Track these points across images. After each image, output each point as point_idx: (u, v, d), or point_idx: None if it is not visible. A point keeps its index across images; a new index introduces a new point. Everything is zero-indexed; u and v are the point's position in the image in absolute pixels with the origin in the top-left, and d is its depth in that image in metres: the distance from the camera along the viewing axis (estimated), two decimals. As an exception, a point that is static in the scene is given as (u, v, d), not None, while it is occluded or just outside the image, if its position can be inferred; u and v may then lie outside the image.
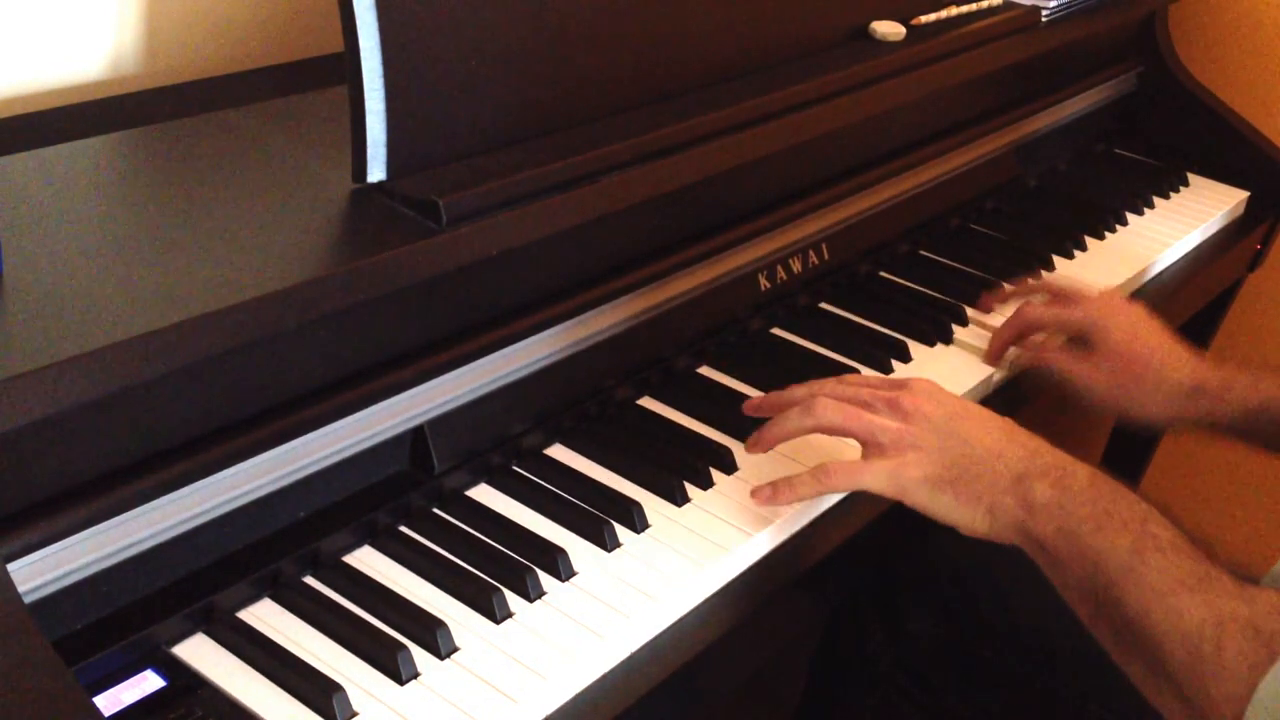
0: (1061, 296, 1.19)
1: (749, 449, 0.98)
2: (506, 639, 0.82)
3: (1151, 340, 1.12)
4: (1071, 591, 0.85)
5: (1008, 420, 0.94)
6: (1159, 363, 1.10)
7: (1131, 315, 1.15)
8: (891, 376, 1.06)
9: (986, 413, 0.95)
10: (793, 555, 0.95)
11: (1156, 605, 0.78)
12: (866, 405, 0.93)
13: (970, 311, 1.26)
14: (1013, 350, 1.19)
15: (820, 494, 0.93)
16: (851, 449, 0.95)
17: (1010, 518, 0.87)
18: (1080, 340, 1.15)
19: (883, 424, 0.92)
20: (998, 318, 1.24)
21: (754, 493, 0.94)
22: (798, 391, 0.98)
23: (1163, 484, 1.99)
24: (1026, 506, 0.86)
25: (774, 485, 0.93)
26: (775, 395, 1.00)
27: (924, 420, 0.92)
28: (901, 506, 0.99)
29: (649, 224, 1.07)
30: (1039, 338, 1.19)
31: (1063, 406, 1.16)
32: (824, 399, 0.94)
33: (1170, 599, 0.78)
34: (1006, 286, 1.28)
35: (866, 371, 1.14)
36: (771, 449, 0.98)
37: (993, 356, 1.19)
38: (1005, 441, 0.90)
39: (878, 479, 0.91)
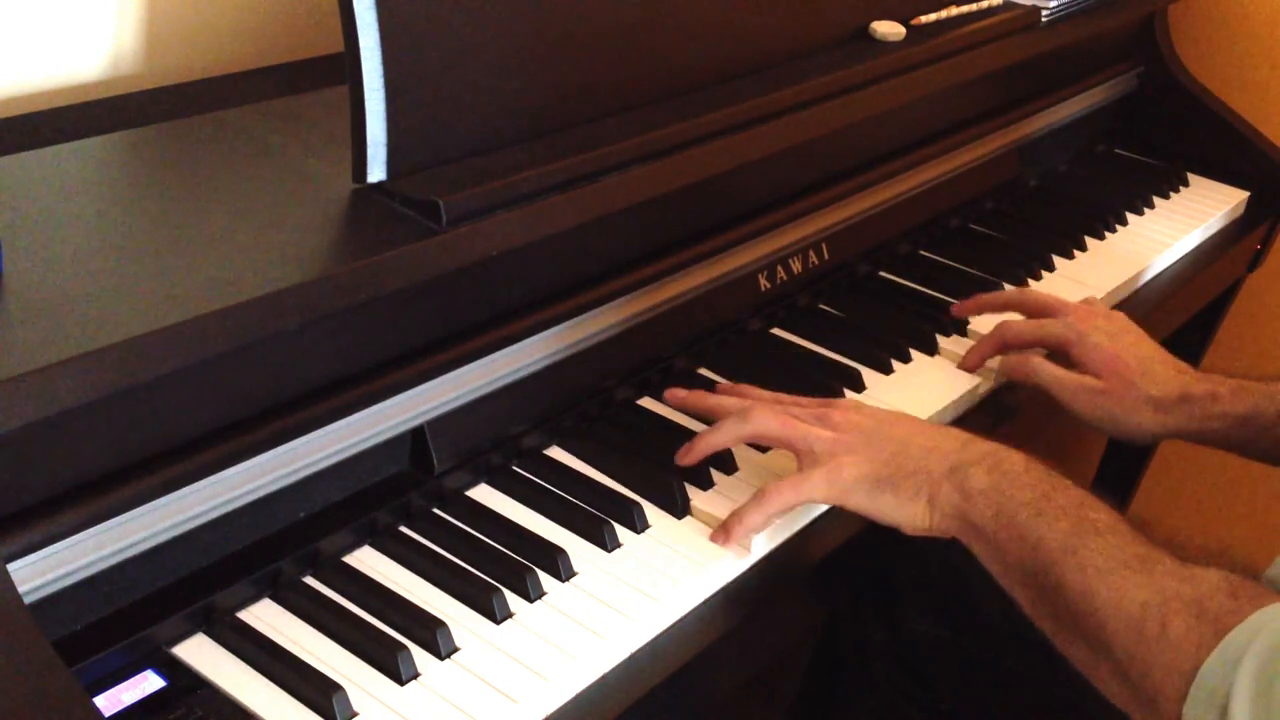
0: (1040, 310, 1.17)
1: (680, 460, 0.96)
2: (506, 639, 0.82)
3: (1134, 351, 1.10)
4: (1012, 576, 0.85)
5: (936, 423, 0.95)
6: (1142, 374, 1.08)
7: (1113, 326, 1.13)
8: (821, 399, 1.02)
9: (915, 417, 0.96)
10: (793, 555, 0.95)
11: (1099, 586, 0.78)
12: (795, 419, 0.94)
13: (1009, 292, 1.25)
14: (995, 359, 1.17)
15: (769, 518, 0.92)
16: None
17: (950, 507, 0.88)
18: (1060, 353, 1.13)
19: (818, 434, 0.92)
20: (990, 321, 1.23)
21: (712, 537, 0.92)
22: (728, 401, 0.98)
23: (1160, 490, 1.99)
24: (964, 494, 0.87)
25: (724, 527, 0.92)
26: (700, 396, 1.00)
27: (854, 428, 0.93)
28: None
29: (649, 224, 1.07)
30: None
31: (1054, 418, 1.15)
32: (760, 407, 0.94)
33: (1112, 579, 0.78)
34: (983, 296, 1.25)
35: (867, 373, 1.14)
36: (703, 459, 0.96)
37: (970, 367, 1.17)
38: (938, 436, 0.92)
39: (817, 487, 0.91)
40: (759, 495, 0.91)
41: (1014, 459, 0.88)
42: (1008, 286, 1.33)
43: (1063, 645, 0.82)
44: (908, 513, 0.90)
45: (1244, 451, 1.08)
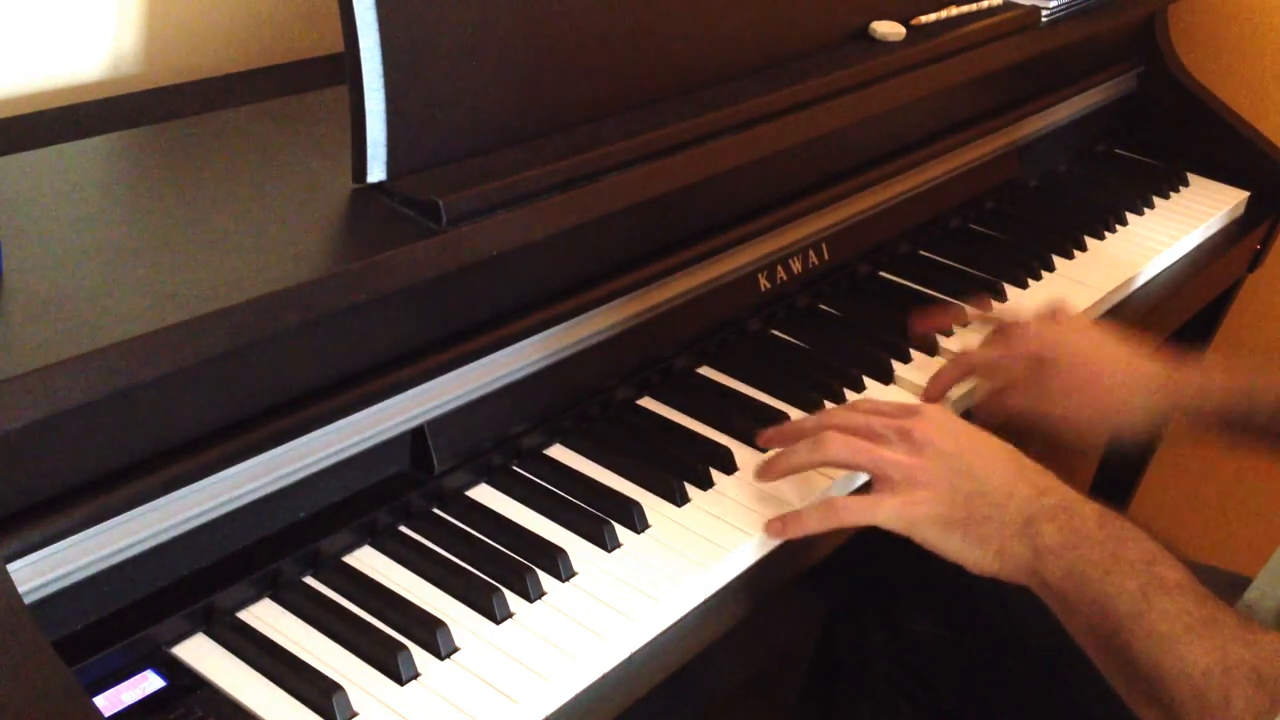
0: (1000, 332, 1.15)
1: (758, 477, 0.97)
2: (506, 639, 0.82)
3: (1104, 352, 1.09)
4: (1083, 636, 0.85)
5: (1015, 451, 0.93)
6: (1121, 370, 1.08)
7: (1075, 333, 1.11)
8: (902, 403, 1.01)
9: (995, 443, 0.93)
10: (793, 555, 0.95)
11: (1164, 652, 0.78)
12: (876, 436, 0.93)
13: (970, 311, 1.26)
14: (955, 389, 1.13)
15: (830, 529, 0.92)
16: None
17: (1019, 561, 0.87)
18: (1033, 374, 1.10)
19: (894, 459, 0.91)
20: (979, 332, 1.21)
21: (767, 526, 0.93)
22: (807, 423, 0.98)
23: (1160, 490, 1.99)
24: (1035, 550, 0.86)
25: (784, 519, 0.93)
26: (788, 426, 1.01)
27: (935, 454, 0.91)
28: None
29: (649, 224, 1.07)
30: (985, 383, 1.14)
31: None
32: (832, 433, 0.93)
33: (1177, 646, 0.78)
34: (939, 313, 1.22)
35: (866, 377, 1.14)
36: (779, 479, 0.97)
37: (932, 398, 1.13)
38: (1015, 479, 0.90)
39: (888, 516, 0.90)
40: (828, 505, 0.92)
41: (1088, 514, 0.87)
42: (1008, 286, 1.33)
43: (1134, 705, 0.82)
44: (975, 556, 0.89)
45: (1245, 428, 1.06)
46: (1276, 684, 0.74)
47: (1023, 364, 1.10)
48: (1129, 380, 1.08)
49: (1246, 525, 1.96)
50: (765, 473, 0.97)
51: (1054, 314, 1.14)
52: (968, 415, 1.13)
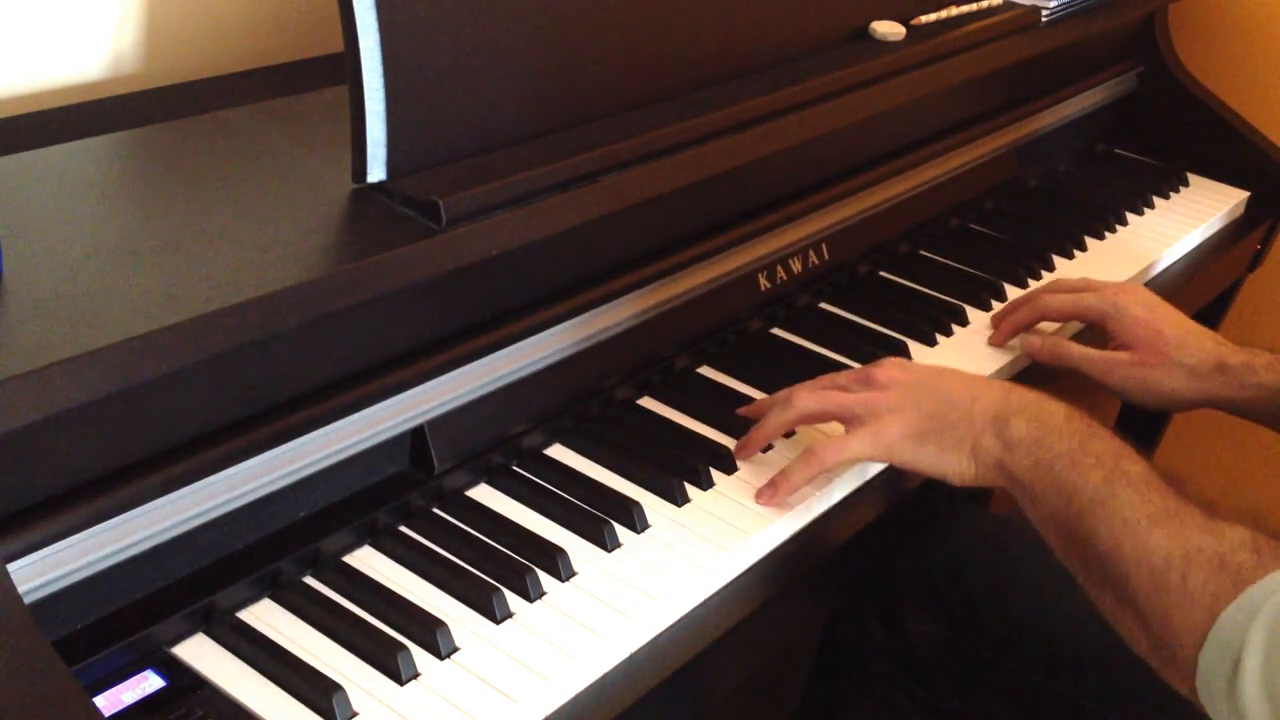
0: (1074, 287, 1.20)
1: (738, 454, 0.99)
2: (506, 639, 0.82)
3: (1170, 320, 1.13)
4: (1046, 524, 0.87)
5: (979, 375, 0.98)
6: (1179, 341, 1.11)
7: (1148, 296, 1.17)
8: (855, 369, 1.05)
9: (958, 370, 0.98)
10: (793, 555, 0.95)
11: (1126, 537, 0.80)
12: (841, 388, 0.97)
13: (970, 311, 1.26)
14: (1020, 336, 1.20)
15: (815, 475, 0.95)
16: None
17: (991, 456, 0.90)
18: (1096, 325, 1.17)
19: (859, 398, 0.95)
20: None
21: (758, 496, 0.95)
22: (777, 395, 1.01)
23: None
24: (1005, 443, 0.89)
25: (772, 483, 0.95)
26: (754, 407, 1.03)
27: (897, 385, 0.95)
28: (902, 507, 1.00)
29: (649, 224, 1.07)
30: (1050, 328, 1.21)
31: (1072, 387, 1.17)
32: (800, 391, 0.98)
33: (1139, 531, 0.79)
34: (1018, 314, 1.24)
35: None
36: (758, 450, 1.00)
37: (1000, 339, 1.20)
38: (980, 386, 0.94)
39: (863, 445, 0.94)
40: (805, 454, 0.94)
41: (1055, 409, 0.89)
42: (1008, 286, 1.33)
43: (1091, 592, 0.84)
44: (952, 463, 0.92)
45: (1274, 423, 1.10)
46: (1239, 570, 0.74)
47: (1093, 312, 1.16)
48: (1186, 348, 1.11)
49: (1262, 498, 1.96)
50: (743, 447, 0.99)
51: (1122, 282, 1.21)
52: (1028, 371, 1.19)
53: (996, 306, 1.28)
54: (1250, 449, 1.96)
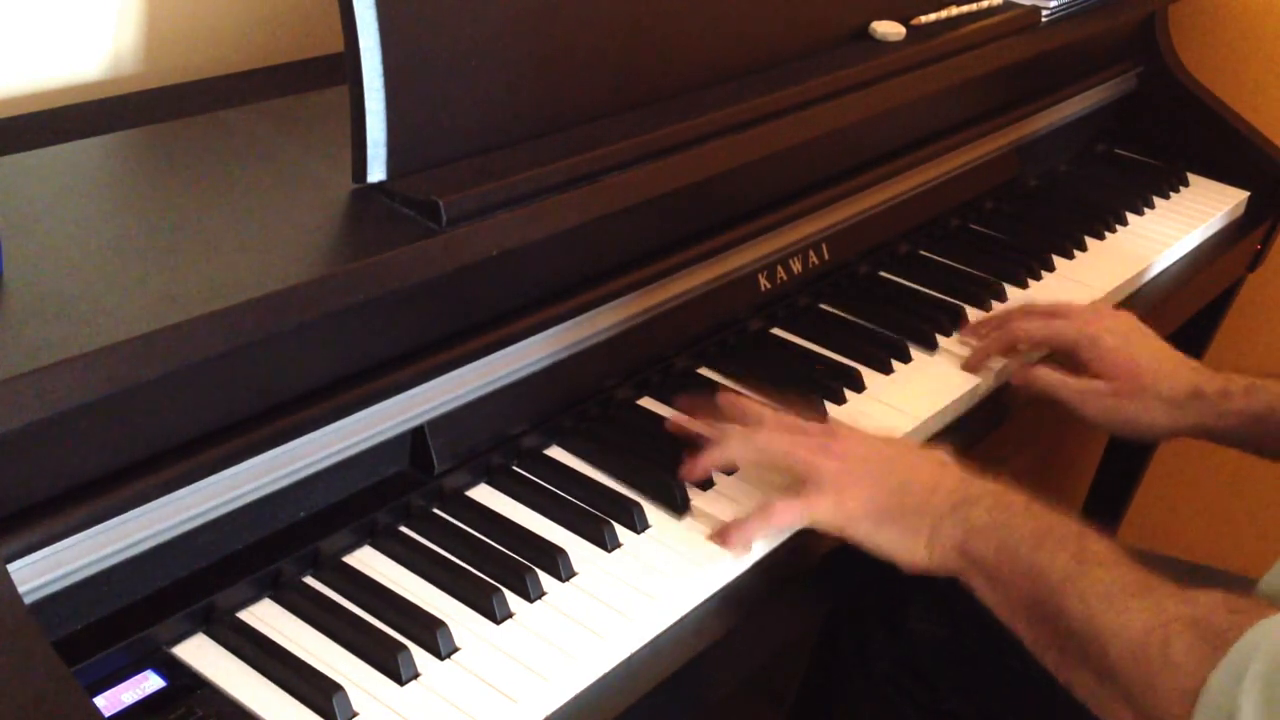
0: (1048, 313, 1.18)
1: (684, 476, 0.96)
2: (506, 639, 0.82)
3: (1145, 349, 1.12)
4: (1014, 609, 0.86)
5: (937, 452, 0.95)
6: (1154, 371, 1.09)
7: (1122, 326, 1.14)
8: (816, 423, 1.01)
9: (917, 447, 0.97)
10: (793, 555, 0.95)
11: (1101, 612, 0.79)
12: (804, 437, 0.94)
13: (970, 311, 1.26)
14: (997, 360, 1.17)
15: (769, 533, 0.92)
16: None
17: (951, 543, 0.88)
18: (1069, 356, 1.14)
19: (822, 461, 0.92)
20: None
21: (710, 536, 0.92)
22: (731, 422, 0.98)
23: (1160, 490, 1.99)
24: (966, 530, 0.88)
25: (724, 529, 0.92)
26: (699, 421, 1.00)
27: (859, 459, 0.93)
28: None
29: (649, 224, 1.07)
30: (1021, 355, 1.18)
31: (1053, 417, 1.16)
32: (766, 429, 0.95)
33: (1114, 605, 0.79)
34: (987, 319, 1.23)
35: (867, 372, 1.14)
36: (707, 475, 0.97)
37: (973, 367, 1.17)
38: (940, 473, 0.92)
39: (824, 514, 0.91)
40: (764, 509, 0.91)
41: (1014, 497, 0.88)
42: (1008, 286, 1.33)
43: (1067, 677, 0.83)
44: (907, 548, 0.90)
45: (1255, 449, 1.09)
46: (1217, 633, 0.73)
47: (1066, 341, 1.14)
48: (1161, 378, 1.09)
49: (1246, 525, 1.96)
50: (691, 470, 0.96)
51: (1096, 305, 1.19)
52: (1002, 389, 1.17)
53: (996, 307, 1.28)
54: (1229, 485, 1.96)
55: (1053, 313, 1.17)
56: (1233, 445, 1.09)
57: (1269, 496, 1.93)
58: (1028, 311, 1.20)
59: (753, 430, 0.95)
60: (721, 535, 0.92)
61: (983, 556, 0.86)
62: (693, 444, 0.98)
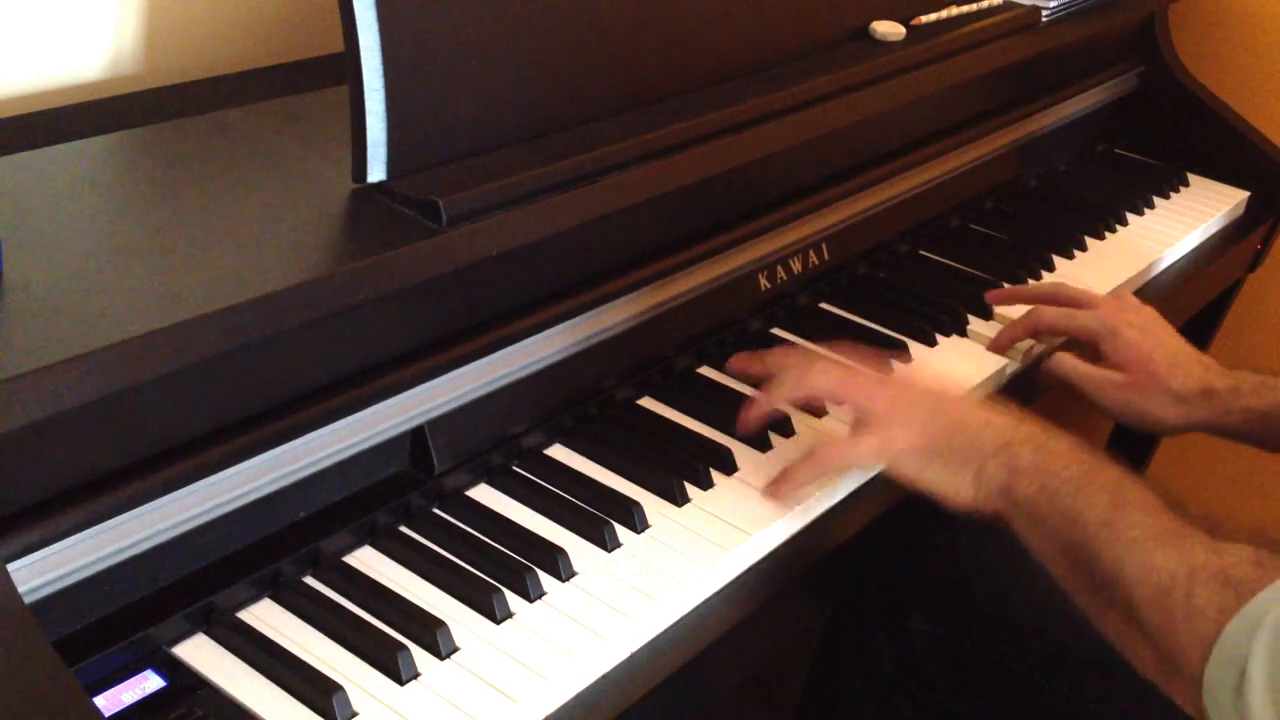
0: (1072, 302, 1.20)
1: (741, 426, 0.99)
2: (506, 639, 0.82)
3: (1161, 345, 1.14)
4: (1050, 549, 0.87)
5: (986, 401, 0.98)
6: (1168, 367, 1.11)
7: (1142, 319, 1.16)
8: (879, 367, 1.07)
9: (964, 395, 0.99)
10: (794, 555, 0.95)
11: (1130, 557, 0.80)
12: (855, 376, 0.97)
13: (970, 311, 1.26)
14: (1025, 342, 1.20)
15: (819, 476, 0.95)
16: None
17: (995, 482, 0.90)
18: (1089, 345, 1.17)
19: (874, 401, 0.95)
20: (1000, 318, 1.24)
21: (763, 491, 0.96)
22: (787, 359, 1.01)
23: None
24: (1011, 470, 0.89)
25: (777, 481, 0.95)
26: (758, 358, 1.03)
27: (910, 402, 0.95)
28: (901, 506, 1.00)
29: (649, 224, 1.07)
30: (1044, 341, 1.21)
31: (1067, 402, 1.17)
32: (820, 365, 0.97)
33: (1144, 551, 0.80)
34: (1017, 288, 1.28)
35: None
36: (762, 420, 1.00)
37: (999, 348, 1.21)
38: (990, 413, 0.94)
39: (870, 452, 0.94)
40: (812, 454, 0.94)
41: (1061, 441, 0.90)
42: (1007, 286, 1.33)
43: (1096, 616, 0.84)
44: (953, 484, 0.92)
45: (1263, 445, 1.11)
46: (1243, 584, 0.75)
47: (1087, 331, 1.16)
48: (1175, 374, 1.11)
49: (1248, 519, 1.96)
50: (747, 417, 0.99)
51: (1121, 297, 1.22)
52: (1024, 376, 1.20)
53: (1000, 309, 1.28)
54: (1241, 471, 1.96)
55: (1078, 301, 1.20)
56: (1239, 440, 1.11)
57: (1269, 496, 1.93)
58: (1055, 295, 1.22)
59: (808, 366, 0.98)
60: (775, 485, 0.95)
61: (1025, 497, 0.88)
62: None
